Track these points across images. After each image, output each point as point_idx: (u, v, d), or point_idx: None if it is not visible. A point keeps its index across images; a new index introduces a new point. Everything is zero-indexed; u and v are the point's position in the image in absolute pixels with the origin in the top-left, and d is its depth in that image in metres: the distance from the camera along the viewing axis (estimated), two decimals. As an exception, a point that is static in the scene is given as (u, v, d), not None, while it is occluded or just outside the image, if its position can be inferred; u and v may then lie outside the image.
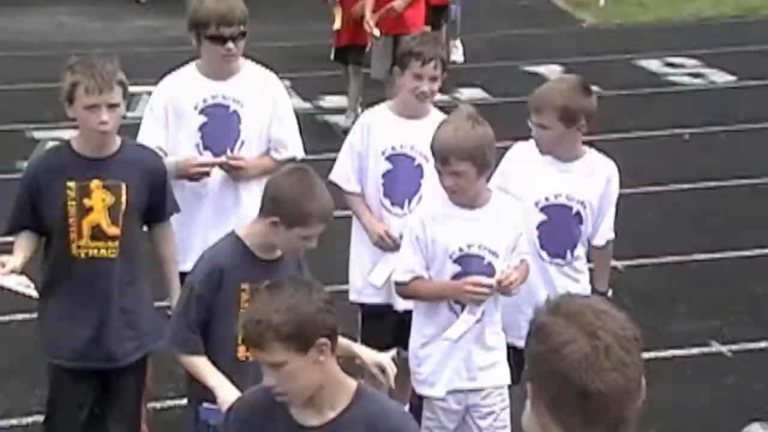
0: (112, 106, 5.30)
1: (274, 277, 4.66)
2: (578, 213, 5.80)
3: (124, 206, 5.47)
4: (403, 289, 5.61)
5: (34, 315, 6.78)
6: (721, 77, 13.94)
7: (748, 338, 7.84)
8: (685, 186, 10.32)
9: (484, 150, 5.24)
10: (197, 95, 6.15)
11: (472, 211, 5.38)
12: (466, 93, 13.22)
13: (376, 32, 11.31)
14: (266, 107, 6.26)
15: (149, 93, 12.49)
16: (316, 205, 4.78)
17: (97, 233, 5.45)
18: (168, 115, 6.20)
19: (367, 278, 6.19)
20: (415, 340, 5.61)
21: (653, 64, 14.46)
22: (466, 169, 5.20)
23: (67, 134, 11.35)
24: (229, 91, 6.16)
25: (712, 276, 8.68)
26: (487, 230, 5.36)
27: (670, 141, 11.63)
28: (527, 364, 2.80)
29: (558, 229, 5.77)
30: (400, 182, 6.18)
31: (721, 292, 8.46)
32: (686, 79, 13.94)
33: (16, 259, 5.33)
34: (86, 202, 5.42)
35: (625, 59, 14.62)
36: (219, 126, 6.15)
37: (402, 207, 6.16)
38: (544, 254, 5.81)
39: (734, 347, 7.73)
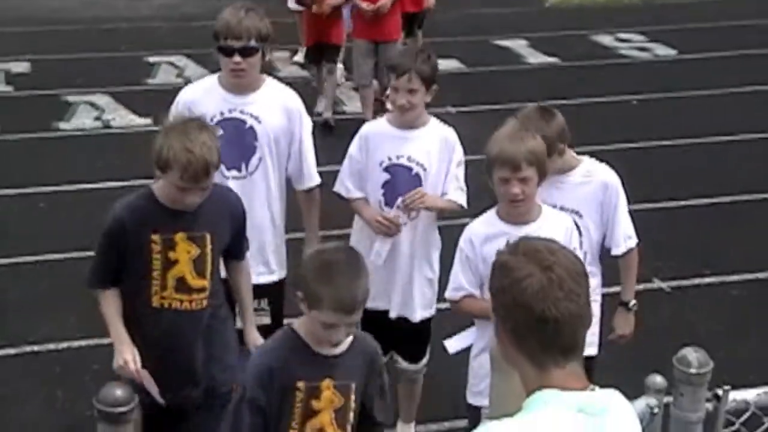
0: (205, 189, 4.50)
1: (336, 373, 4.00)
2: (574, 223, 5.00)
3: (209, 257, 4.63)
4: (455, 307, 5.05)
5: (69, 254, 6.81)
6: (664, 51, 13.94)
7: (683, 276, 7.94)
8: (632, 145, 10.35)
9: (545, 158, 4.67)
10: (215, 107, 5.29)
11: (522, 227, 4.68)
12: (444, 63, 13.16)
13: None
14: (284, 126, 5.42)
15: (168, 62, 12.74)
16: (326, 290, 3.80)
17: (182, 286, 4.57)
18: None
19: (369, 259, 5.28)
20: (472, 353, 5.05)
21: (606, 39, 14.44)
22: (533, 175, 4.63)
23: (96, 98, 11.58)
24: (247, 107, 5.33)
25: (653, 223, 8.71)
26: None
27: (620, 106, 11.64)
28: (492, 298, 2.84)
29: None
30: (399, 191, 5.44)
31: (662, 236, 8.50)
32: (634, 53, 13.92)
33: (131, 347, 4.50)
34: (171, 255, 4.53)
35: (582, 35, 14.59)
36: (234, 140, 5.25)
37: (408, 216, 5.49)
38: None
39: (672, 283, 7.83)
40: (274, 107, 5.39)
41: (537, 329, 2.70)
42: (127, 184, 8.89)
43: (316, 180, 5.62)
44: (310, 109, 9.64)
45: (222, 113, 5.30)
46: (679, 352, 3.49)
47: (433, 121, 5.59)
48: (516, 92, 11.89)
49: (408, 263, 5.56)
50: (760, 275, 7.98)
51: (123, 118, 10.96)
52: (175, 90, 5.67)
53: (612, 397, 2.82)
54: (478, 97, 11.58)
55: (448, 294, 5.01)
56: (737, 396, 3.53)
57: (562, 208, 4.99)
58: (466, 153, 5.57)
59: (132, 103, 11.24)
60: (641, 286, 7.48)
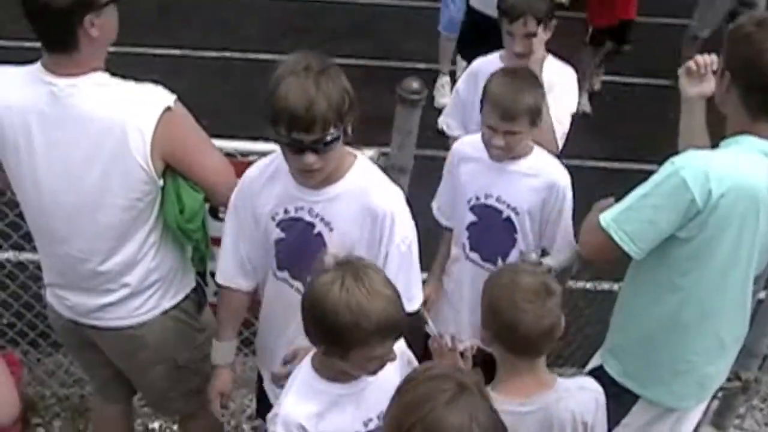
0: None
1: None
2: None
3: None
4: None
5: None
6: None
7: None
8: None
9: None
10: (277, 201, 2.60)
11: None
12: None
13: None
14: (365, 237, 2.55)
15: None
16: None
17: None
18: (248, 219, 2.67)
19: None
20: None
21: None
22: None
23: None
24: (318, 206, 2.55)
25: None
26: None
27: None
28: (730, 60, 2.58)
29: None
30: None
31: None
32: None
33: None
34: None
35: None
36: (299, 248, 2.62)
37: None
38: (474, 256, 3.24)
39: None
40: (354, 209, 2.55)
41: (766, 90, 2.51)
42: None
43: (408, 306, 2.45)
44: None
45: (286, 211, 2.60)
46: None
47: (550, 60, 3.57)
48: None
49: None
50: None
51: None
52: None
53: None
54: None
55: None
56: None
57: (498, 200, 3.15)
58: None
59: None
60: None
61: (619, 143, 6.36)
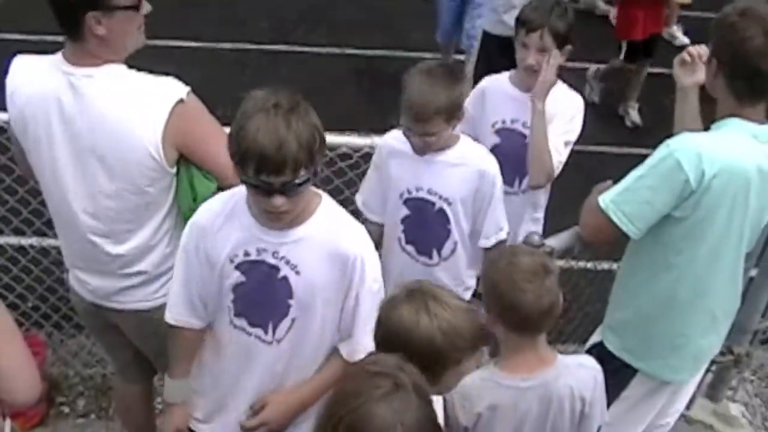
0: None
1: None
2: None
3: None
4: None
5: None
6: None
7: None
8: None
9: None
10: (236, 242, 2.38)
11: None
12: None
13: None
14: (334, 281, 2.37)
15: None
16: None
17: None
18: (201, 262, 2.44)
19: None
20: None
21: None
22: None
23: None
24: (283, 248, 2.35)
25: None
26: None
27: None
28: (715, 48, 2.62)
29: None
30: (508, 157, 3.21)
31: None
32: None
33: None
34: None
35: None
36: (261, 293, 2.40)
37: (512, 186, 3.37)
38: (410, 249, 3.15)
39: None
40: (322, 252, 2.36)
41: (750, 76, 2.56)
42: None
43: (359, 355, 2.39)
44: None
45: (247, 253, 2.38)
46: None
47: (559, 87, 3.35)
48: None
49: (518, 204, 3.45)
50: None
51: None
52: None
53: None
54: None
55: None
56: None
57: (429, 192, 3.04)
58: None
59: None
60: None
61: (619, 128, 6.40)
